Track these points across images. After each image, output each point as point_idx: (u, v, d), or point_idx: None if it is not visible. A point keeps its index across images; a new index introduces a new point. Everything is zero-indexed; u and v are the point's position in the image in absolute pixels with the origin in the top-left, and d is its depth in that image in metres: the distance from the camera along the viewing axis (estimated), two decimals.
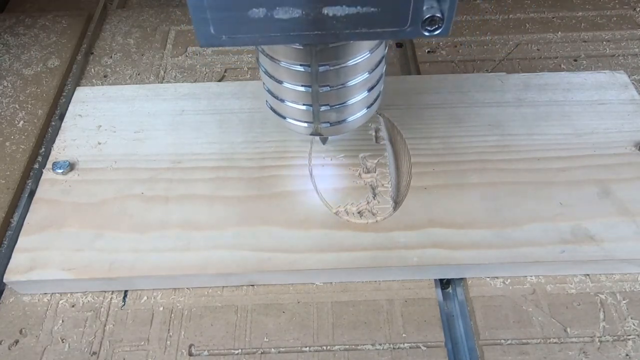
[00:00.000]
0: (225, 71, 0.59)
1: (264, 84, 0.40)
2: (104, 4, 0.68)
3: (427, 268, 0.41)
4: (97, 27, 0.65)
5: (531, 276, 0.42)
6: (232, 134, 0.49)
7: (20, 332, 0.40)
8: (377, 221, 0.43)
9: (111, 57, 0.61)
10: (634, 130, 0.48)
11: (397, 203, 0.44)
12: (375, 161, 0.46)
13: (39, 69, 0.59)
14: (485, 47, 0.61)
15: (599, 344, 0.38)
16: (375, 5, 0.29)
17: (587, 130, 0.49)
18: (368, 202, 0.44)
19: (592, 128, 0.49)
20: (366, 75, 0.37)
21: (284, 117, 0.40)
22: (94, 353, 0.39)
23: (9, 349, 0.39)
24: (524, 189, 0.44)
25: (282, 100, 0.39)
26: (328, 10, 0.29)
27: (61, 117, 0.53)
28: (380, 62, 0.38)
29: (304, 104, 0.38)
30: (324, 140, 0.45)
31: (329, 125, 0.39)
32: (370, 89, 0.38)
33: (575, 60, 0.59)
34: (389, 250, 0.41)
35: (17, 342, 0.39)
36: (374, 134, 0.49)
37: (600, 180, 0.45)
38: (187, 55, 0.61)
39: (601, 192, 0.44)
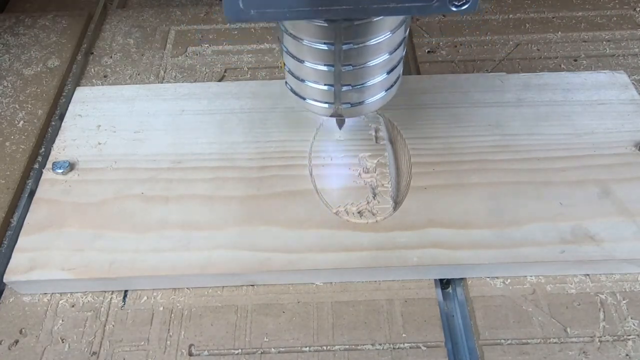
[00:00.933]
0: (225, 71, 0.59)
1: (284, 65, 0.40)
2: (104, 4, 0.68)
3: (427, 268, 0.41)
4: (97, 27, 0.65)
5: (531, 276, 0.42)
6: (232, 134, 0.49)
7: (20, 332, 0.40)
8: (377, 221, 0.43)
9: (111, 57, 0.61)
10: (634, 130, 0.48)
11: (397, 203, 0.44)
12: (375, 161, 0.46)
13: (39, 69, 0.59)
14: (485, 47, 0.61)
15: (599, 344, 0.38)
16: None
17: (587, 130, 0.49)
18: (368, 202, 0.44)
19: (592, 128, 0.49)
20: (388, 55, 0.37)
21: (305, 99, 0.40)
22: (94, 353, 0.39)
23: (9, 349, 0.39)
24: (524, 189, 0.44)
25: (303, 81, 0.39)
26: None
27: (61, 117, 0.53)
28: (401, 43, 0.38)
29: (325, 84, 0.38)
30: (340, 124, 0.45)
31: (349, 106, 0.39)
32: (390, 71, 0.39)
33: (575, 60, 0.59)
34: (389, 250, 0.41)
35: (17, 342, 0.39)
36: (374, 134, 0.49)
37: (600, 180, 0.45)
38: (187, 55, 0.61)
39: (601, 192, 0.44)
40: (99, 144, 0.49)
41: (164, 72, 0.59)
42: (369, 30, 0.35)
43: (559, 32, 0.62)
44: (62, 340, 0.39)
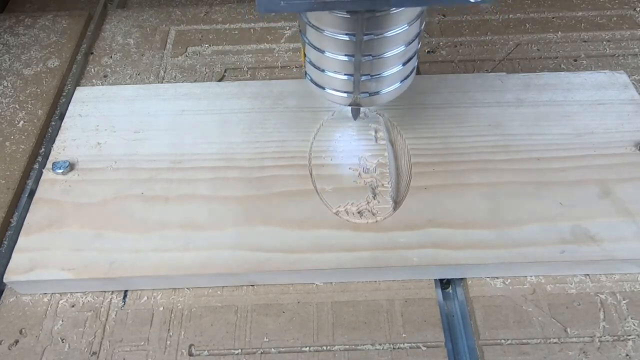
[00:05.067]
0: (225, 71, 0.59)
1: (304, 56, 0.41)
2: (104, 4, 0.68)
3: (427, 268, 0.41)
4: (97, 27, 0.65)
5: (531, 276, 0.42)
6: (232, 134, 0.49)
7: (20, 332, 0.40)
8: (377, 221, 0.43)
9: (111, 57, 0.61)
10: (634, 130, 0.48)
11: (397, 203, 0.44)
12: (375, 161, 0.47)
13: (39, 69, 0.59)
14: (485, 47, 0.61)
15: (599, 344, 0.38)
16: None
17: (587, 130, 0.49)
18: (368, 202, 0.44)
19: (592, 128, 0.49)
20: (405, 47, 0.38)
21: (324, 88, 0.41)
22: (94, 353, 0.39)
23: (9, 349, 0.39)
24: (524, 189, 0.44)
25: (323, 71, 0.40)
26: None
27: (61, 117, 0.53)
28: (418, 34, 0.39)
29: (345, 74, 0.39)
30: (355, 114, 0.46)
31: (367, 95, 0.41)
32: (407, 62, 0.40)
33: (575, 60, 0.59)
34: (389, 250, 0.41)
35: (17, 342, 0.39)
36: (374, 134, 0.49)
37: (600, 180, 0.45)
38: (187, 55, 0.61)
39: (601, 192, 0.44)
40: (99, 144, 0.49)
41: (164, 72, 0.59)
42: (389, 22, 0.36)
43: (559, 32, 0.62)
44: (62, 340, 0.39)
